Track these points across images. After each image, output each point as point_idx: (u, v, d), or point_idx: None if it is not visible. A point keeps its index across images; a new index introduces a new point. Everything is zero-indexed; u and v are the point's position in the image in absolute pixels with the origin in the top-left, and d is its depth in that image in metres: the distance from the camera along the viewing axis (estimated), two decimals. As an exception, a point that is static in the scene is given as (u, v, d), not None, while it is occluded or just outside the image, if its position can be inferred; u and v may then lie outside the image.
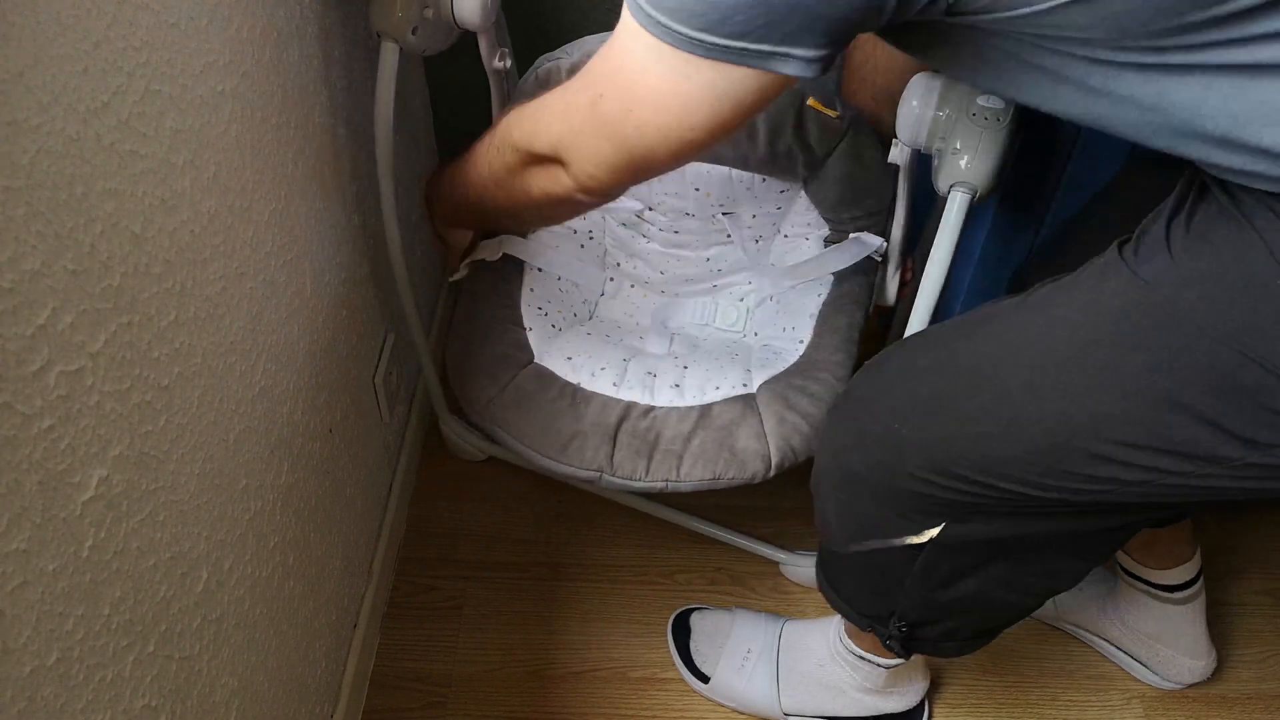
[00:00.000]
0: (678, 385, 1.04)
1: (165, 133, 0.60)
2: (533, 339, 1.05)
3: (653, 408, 1.01)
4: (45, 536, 0.51)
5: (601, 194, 0.77)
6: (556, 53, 1.08)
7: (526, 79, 1.08)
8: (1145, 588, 1.09)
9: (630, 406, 1.00)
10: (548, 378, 1.01)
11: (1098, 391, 0.67)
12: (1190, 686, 1.13)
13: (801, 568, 1.20)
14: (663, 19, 0.60)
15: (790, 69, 0.60)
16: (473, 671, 1.14)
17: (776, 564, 1.23)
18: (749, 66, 0.60)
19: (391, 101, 0.92)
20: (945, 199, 0.86)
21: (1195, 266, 0.63)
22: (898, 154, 0.96)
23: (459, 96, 1.29)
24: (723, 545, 1.25)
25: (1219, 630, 1.19)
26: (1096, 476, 0.68)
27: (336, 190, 0.94)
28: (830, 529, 0.87)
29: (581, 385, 1.02)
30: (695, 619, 1.16)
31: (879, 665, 1.02)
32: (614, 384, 1.03)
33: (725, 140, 0.70)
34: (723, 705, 1.11)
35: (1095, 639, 1.16)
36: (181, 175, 0.63)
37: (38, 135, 0.48)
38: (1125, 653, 1.14)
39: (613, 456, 0.98)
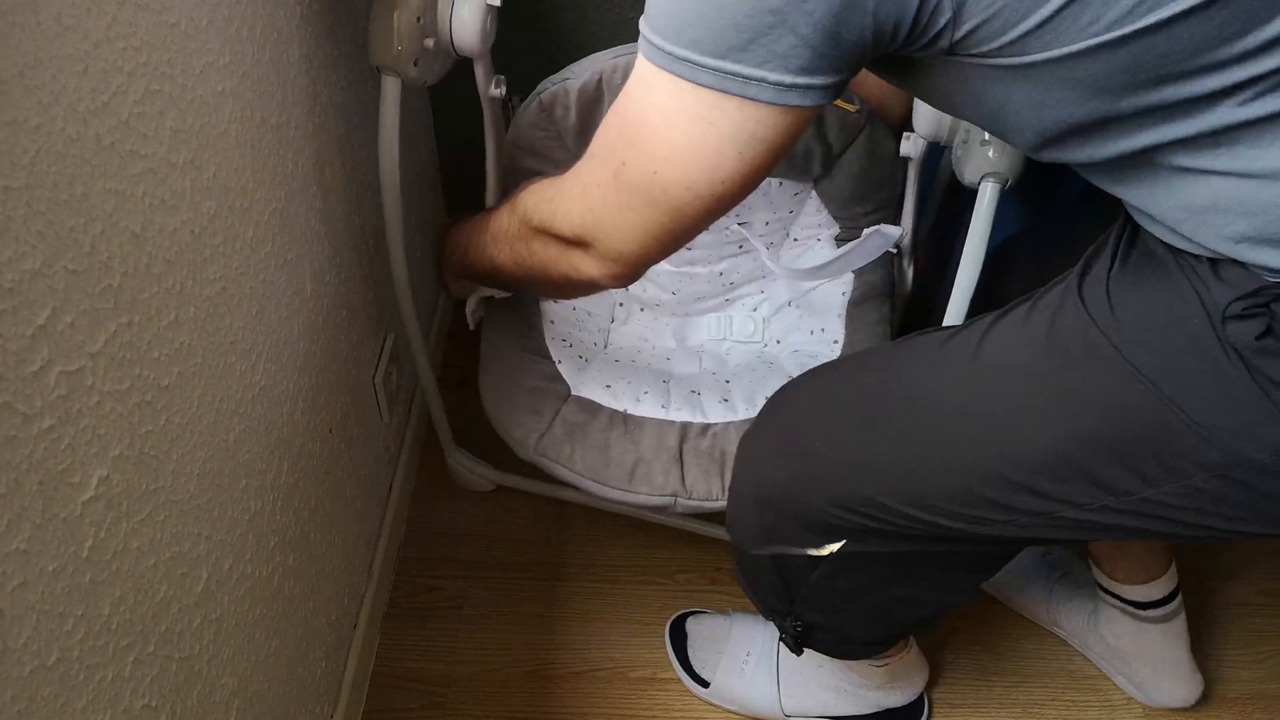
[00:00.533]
0: (726, 400, 1.03)
1: (165, 133, 0.60)
2: (564, 370, 1.04)
3: (709, 425, 1.00)
4: (45, 536, 0.51)
5: (629, 274, 0.74)
6: (561, 74, 1.04)
7: (529, 103, 1.05)
8: (1120, 604, 1.08)
9: (686, 426, 0.99)
10: (591, 408, 1.00)
11: (1028, 425, 0.69)
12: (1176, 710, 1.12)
13: None
14: (686, 53, 0.58)
15: (810, 100, 0.59)
16: (473, 671, 1.14)
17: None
18: (769, 103, 0.59)
19: (397, 140, 0.91)
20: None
21: (1128, 302, 0.65)
22: (910, 146, 0.96)
23: (460, 95, 1.29)
24: (723, 545, 1.25)
25: (1219, 630, 1.19)
26: (1009, 507, 0.70)
27: (336, 190, 0.94)
28: (739, 530, 0.87)
29: (629, 411, 1.01)
30: (691, 623, 1.16)
31: (873, 663, 1.02)
32: (662, 406, 1.02)
33: (749, 194, 0.67)
34: (724, 709, 1.11)
35: (1084, 650, 1.16)
36: (181, 175, 0.63)
37: (38, 135, 0.48)
38: (1111, 666, 1.14)
39: (684, 479, 0.96)
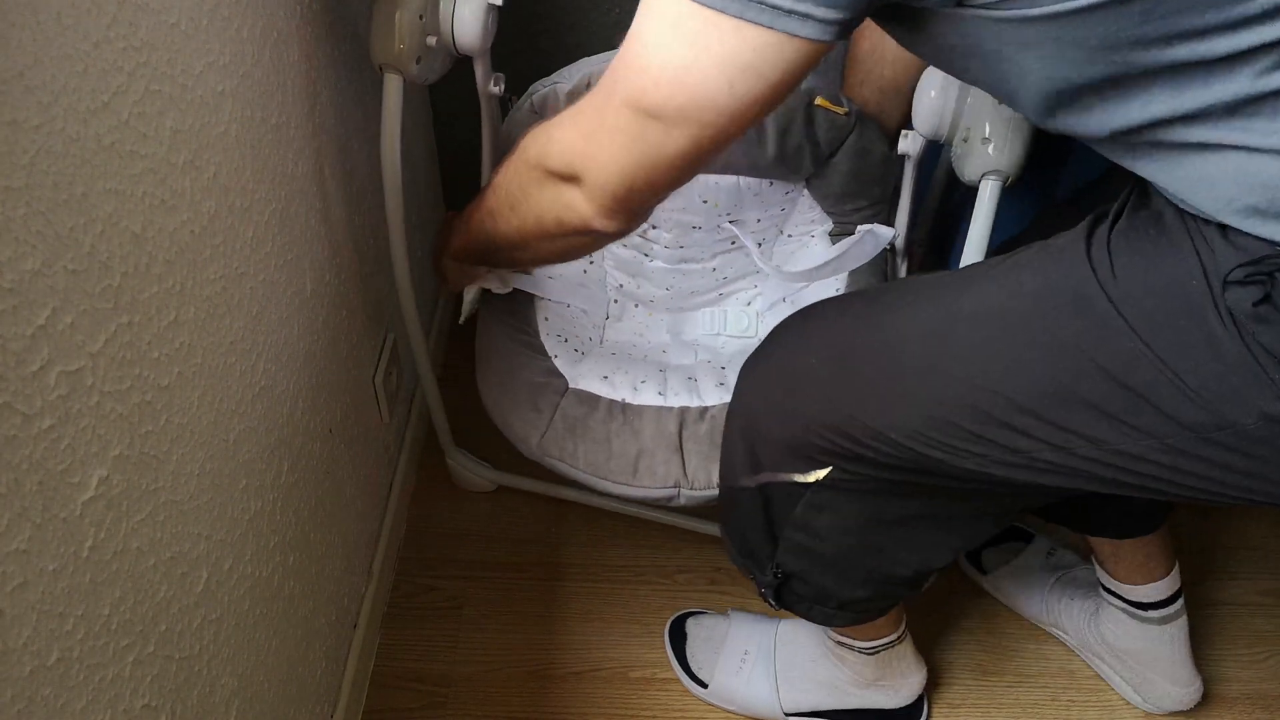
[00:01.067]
0: (722, 384, 1.03)
1: (165, 133, 0.60)
2: (560, 364, 1.04)
3: (707, 408, 1.00)
4: (45, 536, 0.51)
5: (619, 213, 0.71)
6: (553, 77, 1.05)
7: (520, 105, 1.06)
8: (1120, 604, 1.08)
9: (684, 411, 0.99)
10: (590, 399, 1.00)
11: (1015, 366, 0.69)
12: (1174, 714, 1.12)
13: None
14: None
15: (808, 31, 0.57)
16: (473, 671, 1.14)
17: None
18: (767, 26, 0.57)
19: (398, 139, 0.91)
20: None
21: (1129, 261, 0.65)
22: (908, 144, 0.96)
23: (460, 95, 1.29)
24: (721, 544, 1.24)
25: (1219, 630, 1.19)
26: (987, 439, 0.71)
27: (336, 190, 0.94)
28: (729, 461, 0.88)
29: (628, 400, 1.01)
30: (691, 624, 1.16)
31: (859, 650, 1.02)
32: (659, 393, 1.02)
33: (740, 136, 0.66)
34: (724, 709, 1.11)
35: (1083, 651, 1.16)
36: (181, 175, 0.63)
37: (38, 135, 0.48)
38: (1110, 668, 1.13)
39: (685, 469, 0.97)
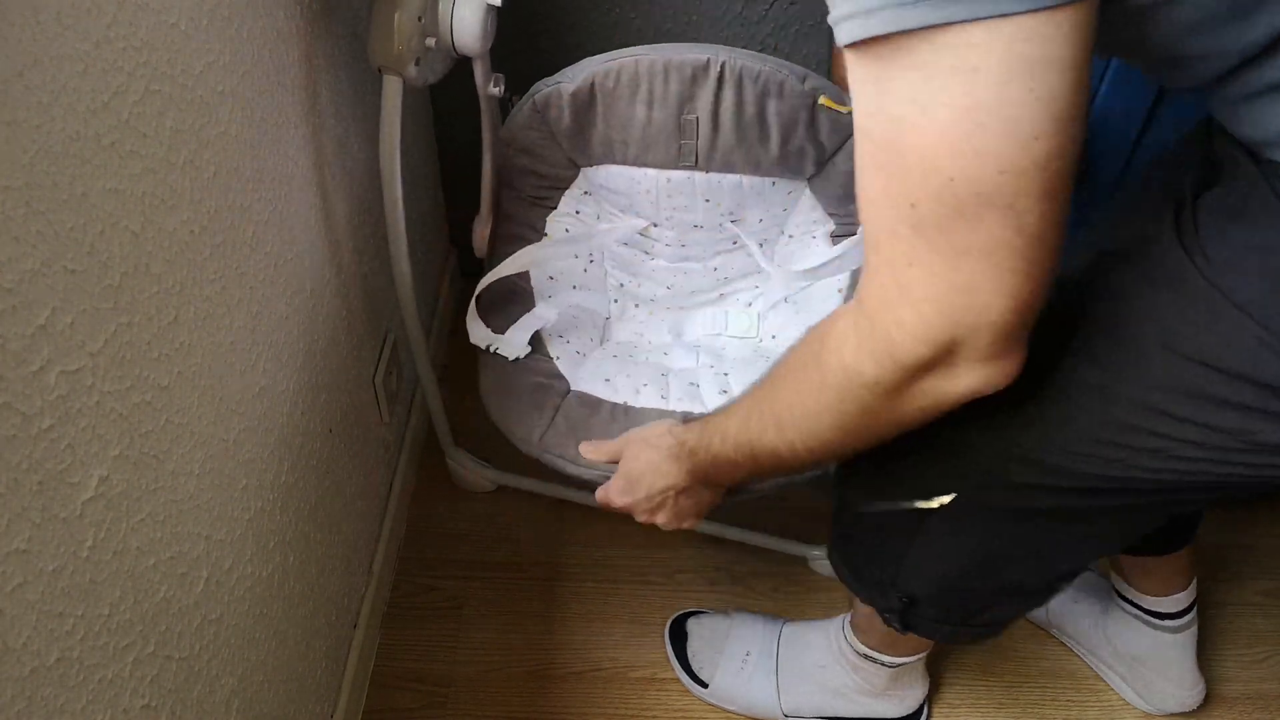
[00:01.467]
0: (725, 391, 1.03)
1: (165, 132, 0.60)
2: (562, 367, 1.03)
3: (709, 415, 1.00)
4: (45, 536, 0.51)
5: (1016, 351, 0.56)
6: (555, 77, 1.04)
7: (521, 106, 1.05)
8: (1137, 612, 1.08)
9: (686, 416, 0.99)
10: (592, 402, 1.00)
11: (1132, 366, 0.63)
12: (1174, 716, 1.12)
13: (826, 560, 1.21)
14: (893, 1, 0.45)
15: None
16: (473, 671, 1.14)
17: (778, 565, 1.23)
18: (1024, 12, 0.45)
19: (398, 140, 0.90)
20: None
21: (1242, 244, 0.59)
22: None
23: (459, 95, 1.29)
24: (721, 545, 1.25)
25: (1219, 630, 1.19)
26: (1126, 445, 0.65)
27: (336, 190, 0.94)
28: (851, 483, 0.83)
29: (630, 404, 1.00)
30: (692, 624, 1.16)
31: (882, 664, 1.02)
32: (662, 398, 1.02)
33: (1080, 140, 0.51)
34: (724, 709, 1.11)
35: (1085, 653, 1.16)
36: (181, 175, 0.63)
37: (38, 135, 0.48)
38: (1112, 671, 1.13)
39: None
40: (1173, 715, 1.12)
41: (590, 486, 0.99)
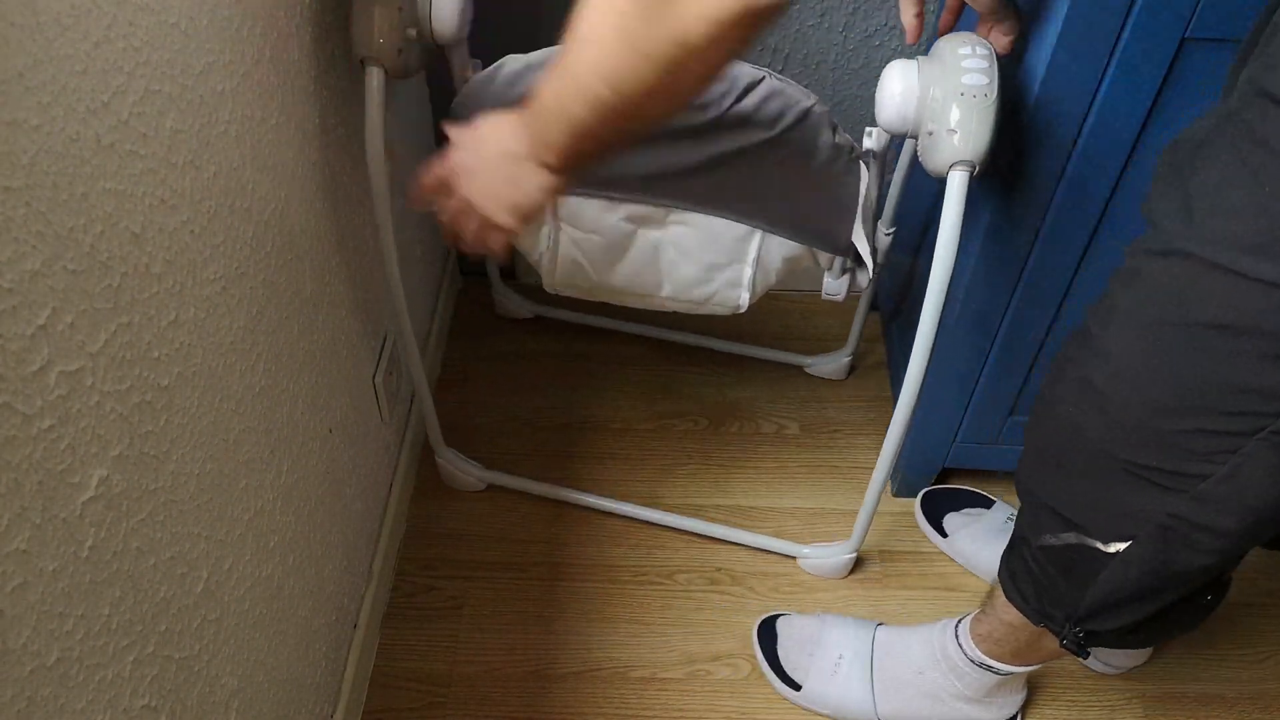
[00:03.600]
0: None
1: (165, 133, 0.60)
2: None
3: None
4: (45, 536, 0.51)
5: None
6: (526, 56, 0.98)
7: (492, 77, 0.96)
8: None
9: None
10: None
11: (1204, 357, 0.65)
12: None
13: (815, 560, 1.21)
14: None
15: None
16: (473, 671, 1.14)
17: (777, 564, 1.23)
18: None
19: (381, 131, 0.91)
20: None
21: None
22: (872, 140, 0.95)
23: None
24: (721, 545, 1.25)
25: (1219, 630, 1.19)
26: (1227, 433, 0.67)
27: (336, 190, 0.94)
28: (1035, 513, 0.83)
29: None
30: (782, 624, 1.15)
31: (996, 672, 0.99)
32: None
33: None
34: (816, 712, 1.11)
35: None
36: (181, 175, 0.63)
37: (38, 135, 0.48)
38: None
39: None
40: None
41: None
